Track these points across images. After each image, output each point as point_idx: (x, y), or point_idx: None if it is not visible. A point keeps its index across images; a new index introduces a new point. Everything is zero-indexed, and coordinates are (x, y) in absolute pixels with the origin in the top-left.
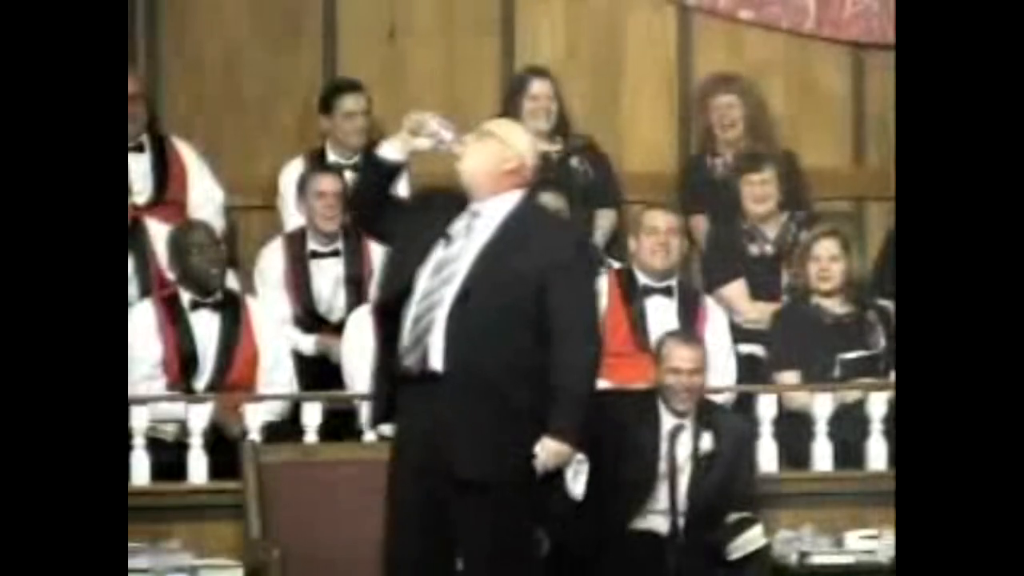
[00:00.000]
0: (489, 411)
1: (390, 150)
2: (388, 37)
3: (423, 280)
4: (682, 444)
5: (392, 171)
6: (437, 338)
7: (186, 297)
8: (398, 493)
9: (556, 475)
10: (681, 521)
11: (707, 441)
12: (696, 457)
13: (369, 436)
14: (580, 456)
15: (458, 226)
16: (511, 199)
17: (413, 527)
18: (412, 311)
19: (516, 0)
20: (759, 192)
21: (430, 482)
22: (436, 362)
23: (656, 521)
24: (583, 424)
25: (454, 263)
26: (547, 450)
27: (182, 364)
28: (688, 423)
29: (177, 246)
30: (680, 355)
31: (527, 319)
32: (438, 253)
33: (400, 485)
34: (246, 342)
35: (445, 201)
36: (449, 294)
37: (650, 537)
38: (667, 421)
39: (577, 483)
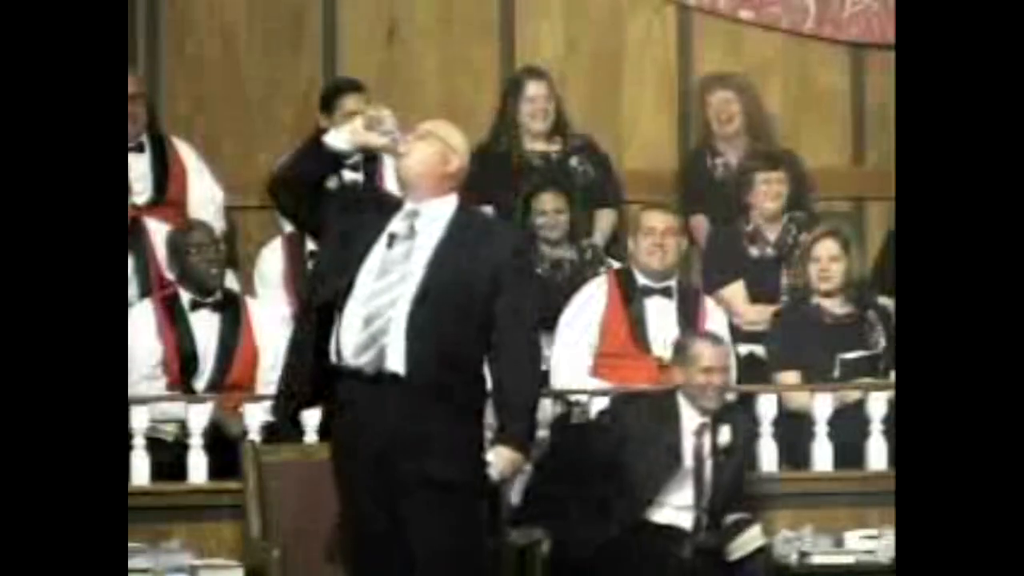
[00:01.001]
0: (450, 413)
1: (338, 139)
2: (388, 37)
3: (367, 280)
4: (707, 440)
5: (336, 161)
6: (396, 339)
7: (186, 297)
8: (354, 493)
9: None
10: (703, 516)
11: (725, 434)
12: (716, 452)
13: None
14: (527, 466)
15: (399, 226)
16: (450, 201)
17: (373, 527)
18: (361, 311)
19: (516, 0)
20: (776, 190)
21: (388, 481)
22: (396, 364)
23: (679, 516)
24: (532, 430)
25: (403, 264)
26: (502, 457)
27: (182, 364)
28: (709, 421)
29: (176, 246)
30: (712, 355)
31: (480, 322)
32: (380, 253)
33: (357, 484)
34: (246, 342)
35: (374, 200)
36: (405, 295)
37: (673, 531)
38: (691, 420)
39: (516, 492)
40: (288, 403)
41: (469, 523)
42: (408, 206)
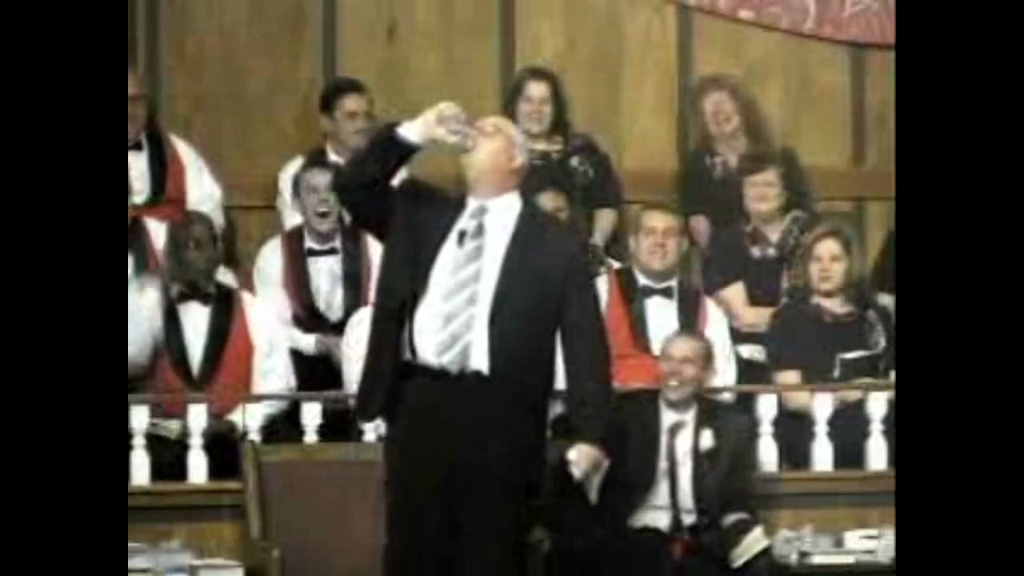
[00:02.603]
0: (526, 412)
1: (411, 132)
2: (388, 37)
3: (442, 278)
4: (682, 440)
5: (406, 154)
6: (479, 338)
7: (174, 288)
8: (412, 491)
9: (570, 478)
10: (683, 516)
11: (708, 439)
12: (696, 454)
13: (369, 436)
14: (606, 462)
15: (468, 224)
16: (514, 198)
17: (430, 523)
18: (439, 309)
19: (516, 0)
20: (762, 192)
21: (451, 480)
22: (480, 362)
23: (657, 516)
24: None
25: (475, 261)
26: (586, 456)
27: (173, 356)
28: (689, 420)
29: (175, 240)
30: (675, 346)
31: (553, 321)
32: (451, 251)
33: (417, 482)
34: (238, 336)
35: (436, 196)
36: (483, 294)
37: (651, 532)
38: (667, 418)
39: (594, 488)
40: (372, 405)
41: (520, 523)
42: (474, 203)
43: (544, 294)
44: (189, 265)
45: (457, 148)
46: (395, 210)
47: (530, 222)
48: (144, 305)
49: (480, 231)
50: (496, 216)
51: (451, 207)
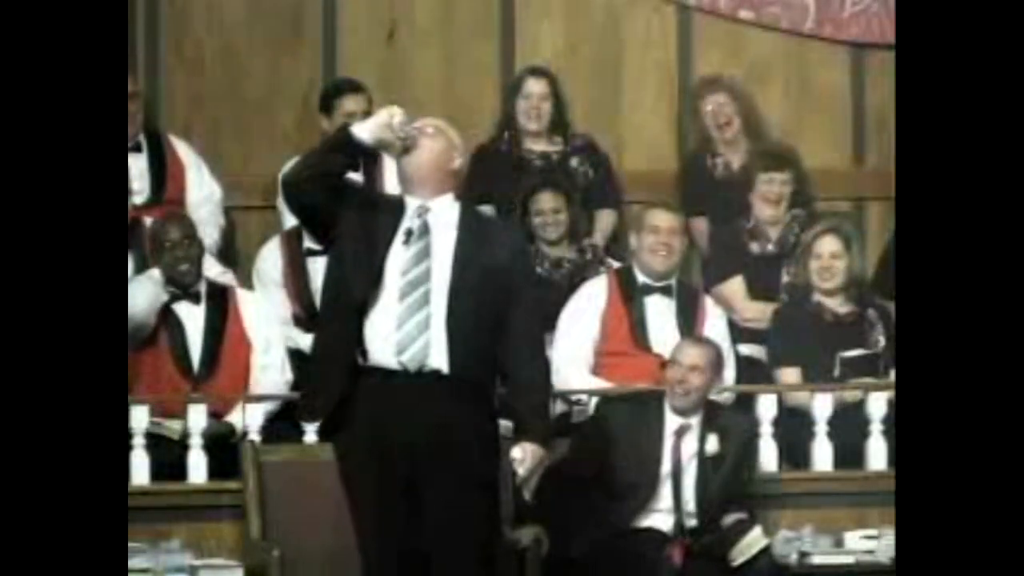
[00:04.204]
0: (480, 408)
1: (364, 131)
2: (388, 38)
3: (395, 279)
4: (687, 444)
5: (361, 153)
6: (437, 337)
7: (168, 289)
8: (376, 491)
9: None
10: (686, 520)
11: (713, 443)
12: (701, 458)
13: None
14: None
15: (413, 223)
16: (452, 199)
17: (395, 523)
18: (393, 309)
19: (516, 0)
20: (777, 191)
21: (415, 478)
22: (439, 360)
23: (660, 519)
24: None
25: (424, 261)
26: (529, 453)
27: (175, 354)
28: (694, 424)
29: (154, 238)
30: (683, 351)
31: (499, 318)
32: (399, 251)
33: (379, 482)
34: (234, 333)
35: (378, 198)
36: (437, 292)
37: (653, 534)
38: (672, 421)
39: (532, 486)
40: (319, 406)
41: (488, 517)
42: (415, 203)
43: (494, 289)
44: (167, 266)
45: (398, 150)
46: (343, 213)
47: (471, 222)
48: (153, 276)
49: (426, 230)
50: (438, 215)
51: (393, 208)
